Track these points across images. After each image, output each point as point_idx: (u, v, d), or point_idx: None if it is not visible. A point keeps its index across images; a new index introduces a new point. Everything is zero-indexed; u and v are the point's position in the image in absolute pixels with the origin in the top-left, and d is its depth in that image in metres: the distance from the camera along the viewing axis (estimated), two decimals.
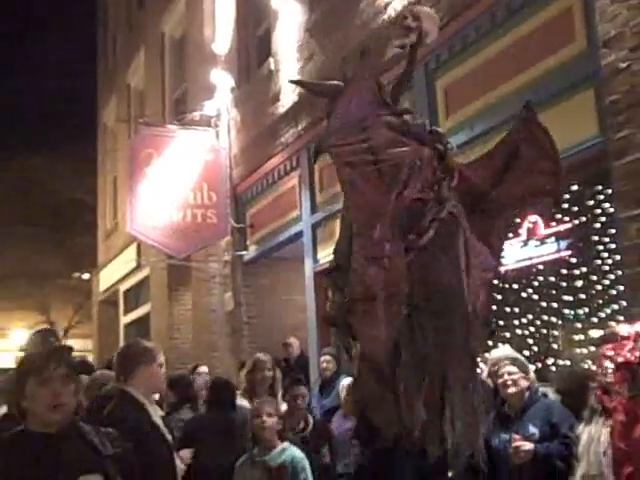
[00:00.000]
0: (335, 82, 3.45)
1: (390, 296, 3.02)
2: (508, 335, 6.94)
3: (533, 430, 5.34)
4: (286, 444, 5.68)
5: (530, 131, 3.36)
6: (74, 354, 3.49)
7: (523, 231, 6.68)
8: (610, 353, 4.98)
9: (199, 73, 13.26)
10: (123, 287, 19.12)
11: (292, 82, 6.84)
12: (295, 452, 5.63)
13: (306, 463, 5.64)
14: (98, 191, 21.99)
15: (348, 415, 7.06)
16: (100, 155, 22.03)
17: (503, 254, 3.56)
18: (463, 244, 3.26)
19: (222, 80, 12.45)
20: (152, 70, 16.76)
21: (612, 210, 6.04)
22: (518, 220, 6.37)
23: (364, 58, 3.56)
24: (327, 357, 8.66)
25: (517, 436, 5.01)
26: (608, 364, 4.96)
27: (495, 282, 3.69)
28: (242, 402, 6.61)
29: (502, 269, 4.11)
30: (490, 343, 5.74)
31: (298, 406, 6.51)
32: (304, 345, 10.30)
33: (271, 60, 11.27)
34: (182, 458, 5.43)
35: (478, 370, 3.59)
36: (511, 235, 3.99)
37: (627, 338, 4.41)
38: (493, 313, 3.44)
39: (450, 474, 3.43)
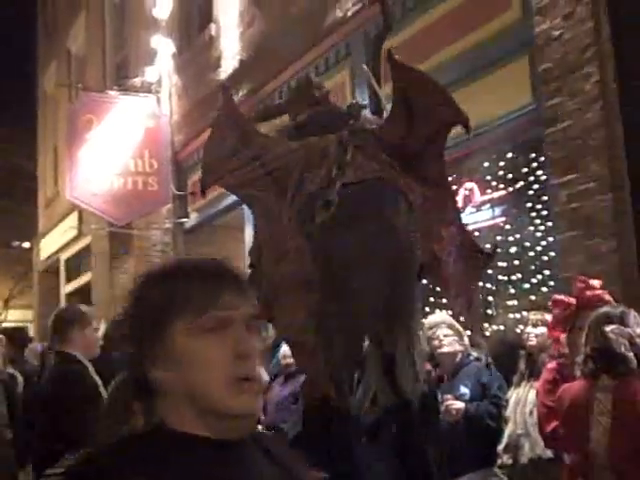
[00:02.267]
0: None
1: (300, 286, 3.35)
2: (444, 301, 7.03)
3: (464, 390, 5.46)
4: None
5: (410, 78, 3.48)
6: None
7: (459, 198, 6.76)
8: (535, 317, 5.15)
9: (140, 38, 13.07)
10: (64, 256, 18.87)
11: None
12: None
13: None
14: (38, 158, 21.61)
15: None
16: (40, 122, 21.62)
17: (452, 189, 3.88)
18: (396, 202, 3.46)
19: (163, 46, 12.29)
20: (93, 35, 16.45)
21: (545, 177, 6.15)
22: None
23: (225, 94, 3.80)
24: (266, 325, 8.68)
25: (449, 396, 5.12)
26: (532, 330, 5.13)
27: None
28: None
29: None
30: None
31: None
32: None
33: (212, 26, 11.15)
34: None
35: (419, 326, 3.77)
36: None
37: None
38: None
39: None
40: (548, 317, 4.93)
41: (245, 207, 10.05)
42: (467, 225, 3.91)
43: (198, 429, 1.37)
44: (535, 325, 5.14)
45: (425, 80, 3.49)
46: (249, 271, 3.59)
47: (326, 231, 3.38)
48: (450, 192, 3.73)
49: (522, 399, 5.17)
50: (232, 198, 10.59)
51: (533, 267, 6.34)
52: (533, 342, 5.12)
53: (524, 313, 6.11)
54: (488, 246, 3.91)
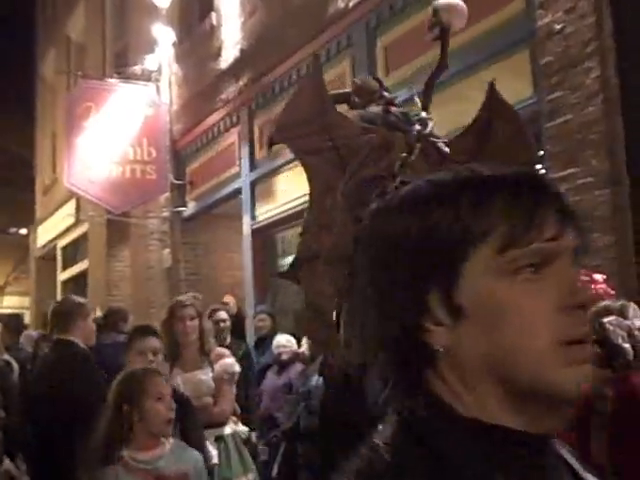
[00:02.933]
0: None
1: (336, 258, 3.34)
2: None
3: None
4: None
5: (497, 109, 3.68)
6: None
7: None
8: None
9: (140, 27, 13.02)
10: (61, 243, 18.87)
11: None
12: None
13: None
14: (36, 146, 21.57)
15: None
16: (38, 109, 21.57)
17: None
18: None
19: (163, 34, 12.24)
20: (93, 23, 16.41)
21: (543, 172, 6.13)
22: None
23: (315, 63, 3.93)
24: (262, 315, 8.67)
25: None
26: None
27: None
28: None
29: None
30: None
31: None
32: (241, 303, 10.32)
33: (213, 15, 11.13)
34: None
35: None
36: None
37: None
38: None
39: None
40: None
41: (243, 198, 10.18)
42: None
43: (501, 417, 0.95)
44: None
45: (514, 118, 3.69)
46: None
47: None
48: None
49: None
50: (231, 187, 10.65)
51: None
52: None
53: None
54: None
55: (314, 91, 3.70)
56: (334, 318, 3.42)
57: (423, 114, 3.89)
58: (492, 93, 3.71)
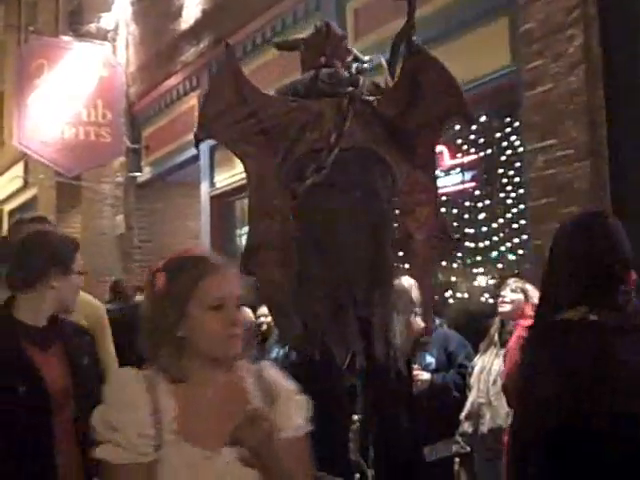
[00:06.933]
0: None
1: (281, 244, 3.49)
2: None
3: (430, 360, 5.35)
4: None
5: (421, 61, 3.59)
6: None
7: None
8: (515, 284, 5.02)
9: None
10: (8, 207, 18.37)
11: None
12: None
13: None
14: None
15: None
16: None
17: (436, 172, 3.95)
18: (381, 174, 3.61)
19: None
20: None
21: (518, 143, 6.00)
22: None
23: (228, 50, 3.76)
24: None
25: (415, 366, 4.98)
26: (508, 294, 4.99)
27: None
28: None
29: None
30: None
31: None
32: None
33: None
34: None
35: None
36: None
37: None
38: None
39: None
40: (528, 286, 4.83)
41: (201, 164, 9.90)
42: (441, 209, 4.02)
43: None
44: (514, 290, 4.97)
45: (437, 66, 3.59)
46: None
47: (312, 192, 3.47)
48: (434, 177, 3.81)
49: (487, 368, 5.08)
50: (188, 153, 10.34)
51: (502, 234, 6.19)
52: (506, 308, 4.97)
53: (494, 281, 5.99)
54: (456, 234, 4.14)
55: (232, 78, 3.61)
56: (288, 304, 3.51)
57: (354, 67, 3.78)
58: (410, 43, 3.62)
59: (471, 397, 5.07)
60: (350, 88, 3.64)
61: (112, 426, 1.88)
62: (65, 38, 12.00)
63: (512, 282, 5.04)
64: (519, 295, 4.89)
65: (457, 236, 4.06)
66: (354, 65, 3.85)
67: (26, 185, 15.93)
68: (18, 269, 2.82)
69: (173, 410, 1.91)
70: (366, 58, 3.95)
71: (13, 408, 2.60)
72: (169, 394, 1.94)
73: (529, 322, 4.46)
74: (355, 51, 3.95)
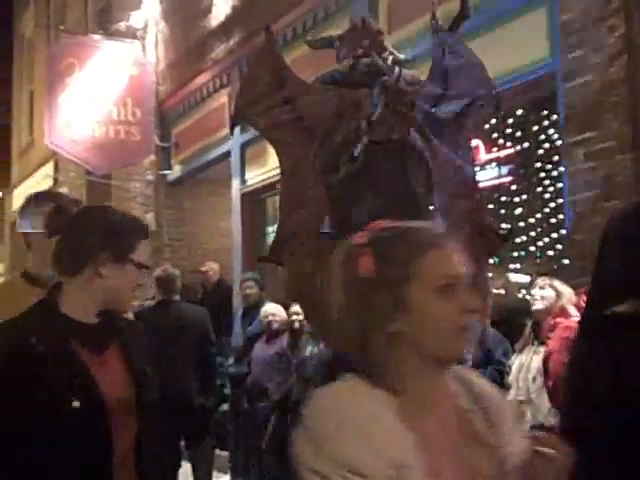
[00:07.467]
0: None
1: (313, 235, 3.38)
2: None
3: (466, 356, 5.26)
4: None
5: (449, 48, 3.58)
6: None
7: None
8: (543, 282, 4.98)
9: None
10: None
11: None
12: None
13: None
14: (13, 106, 21.04)
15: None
16: (16, 68, 21.02)
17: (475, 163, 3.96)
18: (421, 170, 3.54)
19: None
20: None
21: (556, 136, 5.89)
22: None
23: (268, 35, 3.70)
24: (249, 283, 8.31)
25: None
26: (538, 292, 4.95)
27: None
28: None
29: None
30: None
31: None
32: (228, 271, 10.04)
33: None
34: None
35: None
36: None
37: None
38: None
39: None
40: (556, 283, 4.82)
41: (232, 161, 9.86)
42: (484, 204, 3.87)
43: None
44: (542, 288, 4.94)
45: (466, 53, 3.60)
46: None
47: (347, 184, 3.42)
48: (473, 166, 3.77)
49: (525, 365, 5.02)
50: (218, 151, 10.32)
51: (540, 229, 6.09)
52: (539, 306, 4.93)
53: (530, 277, 5.89)
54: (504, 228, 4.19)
55: (270, 63, 3.57)
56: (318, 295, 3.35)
57: (390, 57, 3.74)
58: (442, 33, 3.65)
59: (510, 396, 5.00)
60: (385, 77, 3.61)
61: (354, 469, 1.38)
62: (95, 37, 11.98)
63: (540, 280, 5.02)
64: (549, 291, 4.87)
65: (503, 231, 4.01)
66: (390, 57, 3.81)
67: (56, 184, 15.95)
68: (65, 248, 2.32)
69: (409, 436, 1.44)
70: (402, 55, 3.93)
71: (65, 426, 2.12)
72: (394, 413, 1.47)
73: (571, 321, 4.42)
74: (390, 47, 3.90)
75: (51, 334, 2.18)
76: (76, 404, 2.11)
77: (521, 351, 5.13)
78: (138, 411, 2.25)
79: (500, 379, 5.11)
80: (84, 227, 2.31)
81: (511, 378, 5.08)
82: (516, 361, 5.11)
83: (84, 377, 2.17)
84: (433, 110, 3.56)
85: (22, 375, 2.12)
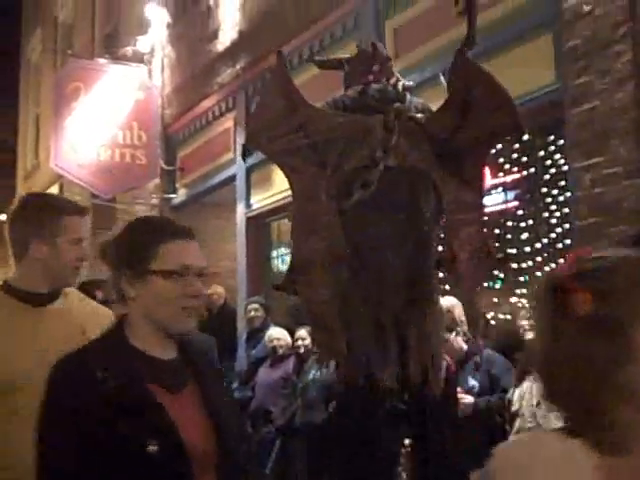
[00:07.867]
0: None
1: (328, 262, 3.38)
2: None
3: (473, 383, 5.23)
4: None
5: (471, 75, 3.49)
6: None
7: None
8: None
9: (133, 7, 12.66)
10: None
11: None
12: None
13: None
14: (19, 130, 21.11)
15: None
16: (22, 91, 21.11)
17: (484, 191, 3.90)
18: (427, 192, 3.58)
19: (157, 15, 11.89)
20: (82, 3, 15.99)
21: (562, 162, 5.88)
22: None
23: (279, 60, 3.70)
24: (254, 306, 8.31)
25: (458, 389, 4.87)
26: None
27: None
28: None
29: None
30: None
31: None
32: (233, 294, 10.00)
33: None
34: None
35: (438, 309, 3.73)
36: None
37: None
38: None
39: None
40: None
41: (237, 185, 9.85)
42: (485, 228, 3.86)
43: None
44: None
45: (491, 82, 3.47)
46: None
47: (360, 210, 3.45)
48: (481, 197, 3.75)
49: (526, 393, 4.96)
50: (224, 175, 10.32)
51: (546, 255, 6.06)
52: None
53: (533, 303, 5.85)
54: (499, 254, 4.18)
55: (281, 89, 3.57)
56: (335, 323, 3.40)
57: (400, 84, 3.74)
58: (463, 60, 3.50)
59: (517, 424, 4.94)
60: (397, 104, 3.60)
61: None
62: (101, 61, 12.04)
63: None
64: None
65: (500, 255, 3.99)
66: (400, 83, 3.80)
67: None
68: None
69: None
70: (410, 82, 3.95)
71: (140, 473, 1.87)
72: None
73: None
74: (398, 74, 3.90)
75: (123, 373, 1.95)
76: (154, 448, 1.87)
77: (517, 386, 5.07)
78: (219, 460, 2.00)
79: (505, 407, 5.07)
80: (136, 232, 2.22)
81: (515, 408, 5.02)
82: (516, 392, 5.05)
83: (163, 421, 1.92)
84: (448, 138, 3.52)
85: (91, 413, 1.88)
